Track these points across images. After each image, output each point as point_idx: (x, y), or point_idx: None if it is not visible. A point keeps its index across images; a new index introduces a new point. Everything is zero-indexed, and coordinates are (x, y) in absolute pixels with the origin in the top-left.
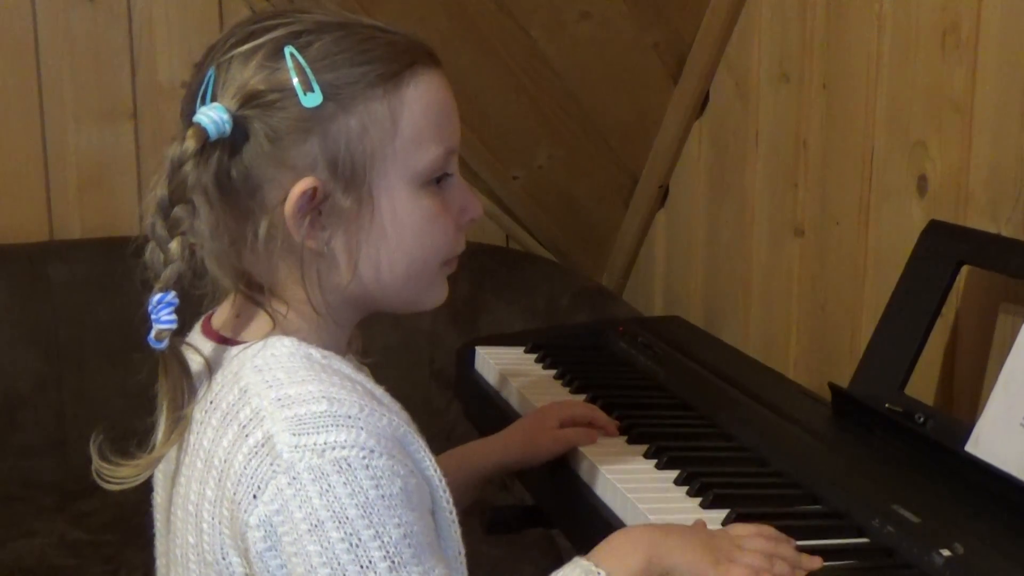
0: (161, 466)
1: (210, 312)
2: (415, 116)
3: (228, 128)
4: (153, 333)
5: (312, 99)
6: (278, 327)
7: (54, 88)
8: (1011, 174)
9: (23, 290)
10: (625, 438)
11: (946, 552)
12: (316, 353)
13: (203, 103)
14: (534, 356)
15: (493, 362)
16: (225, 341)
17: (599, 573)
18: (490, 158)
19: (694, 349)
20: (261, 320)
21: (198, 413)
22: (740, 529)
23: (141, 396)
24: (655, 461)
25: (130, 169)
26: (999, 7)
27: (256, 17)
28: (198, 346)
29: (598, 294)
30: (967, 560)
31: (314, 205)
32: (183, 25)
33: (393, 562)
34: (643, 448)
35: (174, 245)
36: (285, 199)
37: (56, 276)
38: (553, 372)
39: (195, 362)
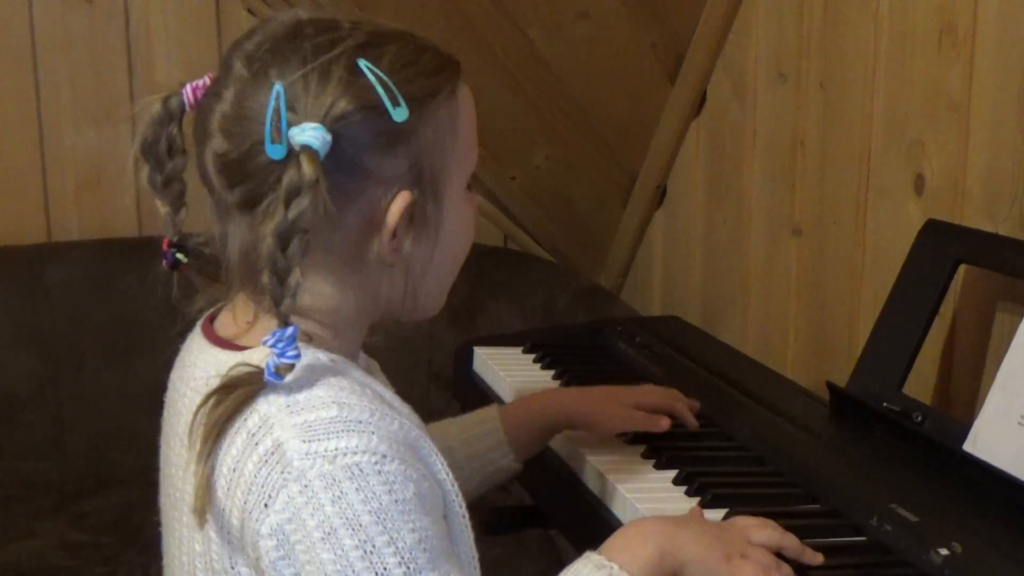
0: (165, 469)
1: (208, 315)
2: (465, 124)
3: (329, 148)
4: (274, 367)
5: (400, 113)
6: (306, 338)
7: (52, 90)
8: (1008, 173)
9: (21, 291)
10: (624, 438)
11: (944, 551)
12: (324, 357)
13: (278, 121)
14: (532, 356)
15: (492, 362)
16: (228, 345)
17: (611, 567)
18: (488, 158)
19: (692, 349)
20: (266, 324)
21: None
22: (746, 520)
23: (140, 397)
24: (653, 461)
25: (127, 170)
26: (995, 6)
27: (303, 31)
28: (201, 349)
29: (596, 294)
30: (965, 559)
31: (407, 219)
32: (180, 26)
33: (408, 568)
34: (641, 448)
35: (294, 278)
36: (375, 213)
37: (54, 277)
38: (551, 372)
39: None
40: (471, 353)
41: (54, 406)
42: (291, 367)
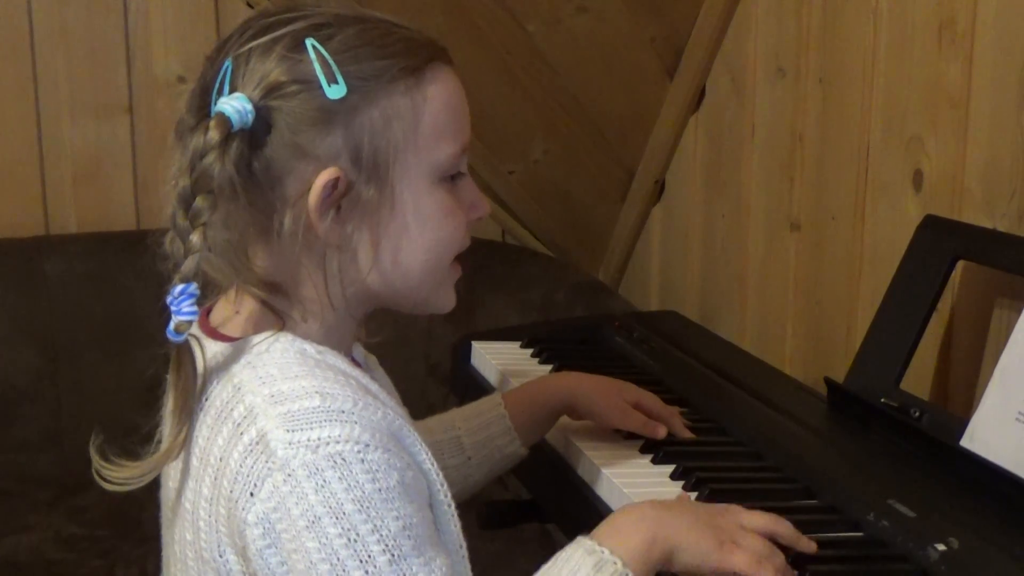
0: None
1: (207, 307)
2: (435, 111)
3: (251, 119)
4: (173, 324)
5: (336, 90)
6: (280, 323)
7: (50, 82)
8: (1006, 169)
9: (18, 285)
10: (621, 433)
11: (941, 546)
12: (310, 348)
13: (220, 95)
14: (530, 351)
15: (489, 357)
16: (223, 338)
17: (602, 552)
18: (486, 153)
19: (690, 344)
20: (260, 316)
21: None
22: (739, 508)
23: (138, 390)
24: (651, 456)
25: (125, 163)
26: (994, 2)
27: (271, 11)
28: (199, 340)
29: (594, 289)
30: (962, 554)
31: (336, 197)
32: (179, 19)
33: (393, 555)
34: (639, 443)
35: (195, 236)
36: (307, 191)
37: (52, 271)
38: (549, 367)
39: (200, 358)
40: (469, 347)
41: (51, 399)
42: (189, 323)
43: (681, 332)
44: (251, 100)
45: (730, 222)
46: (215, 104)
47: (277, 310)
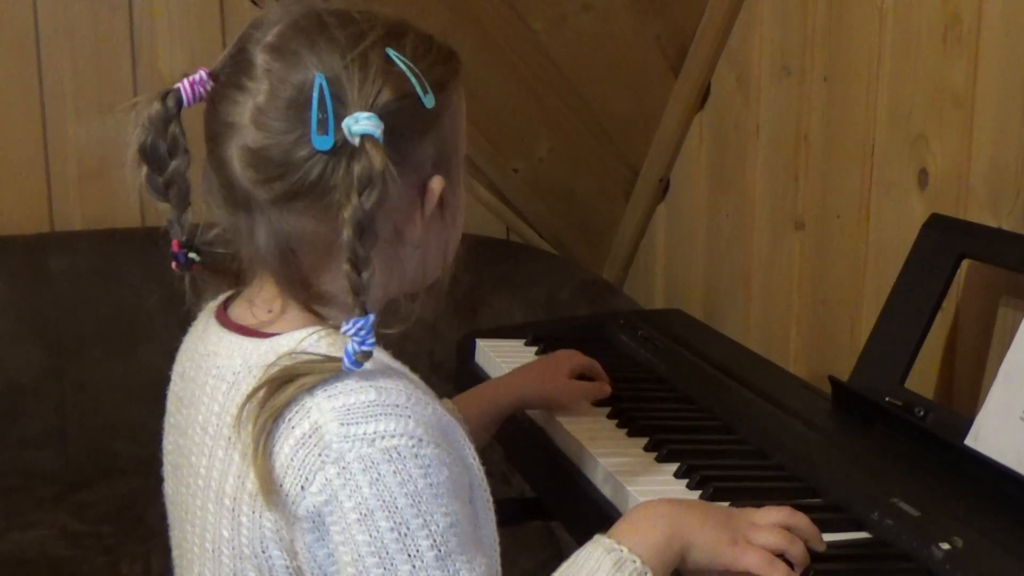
0: (177, 459)
1: (221, 304)
2: (465, 110)
3: (379, 134)
4: (354, 356)
5: (430, 100)
6: (317, 318)
7: (55, 80)
8: (1012, 168)
9: (24, 281)
10: (626, 431)
11: (945, 545)
12: None
13: (324, 112)
14: (534, 349)
15: (493, 354)
16: (253, 334)
17: (620, 550)
18: (491, 151)
19: (694, 342)
20: (293, 313)
21: (229, 407)
22: (757, 515)
23: (143, 386)
24: (655, 454)
25: (129, 165)
26: (1000, 1)
27: (321, 19)
28: (220, 338)
29: (598, 287)
30: (966, 554)
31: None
32: (184, 16)
33: (440, 551)
34: (643, 441)
35: (372, 266)
36: (413, 198)
37: (57, 267)
38: None
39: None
40: (473, 345)
41: (56, 396)
42: (369, 355)
43: (685, 330)
44: (373, 115)
45: (735, 220)
46: (334, 123)
47: (313, 308)
